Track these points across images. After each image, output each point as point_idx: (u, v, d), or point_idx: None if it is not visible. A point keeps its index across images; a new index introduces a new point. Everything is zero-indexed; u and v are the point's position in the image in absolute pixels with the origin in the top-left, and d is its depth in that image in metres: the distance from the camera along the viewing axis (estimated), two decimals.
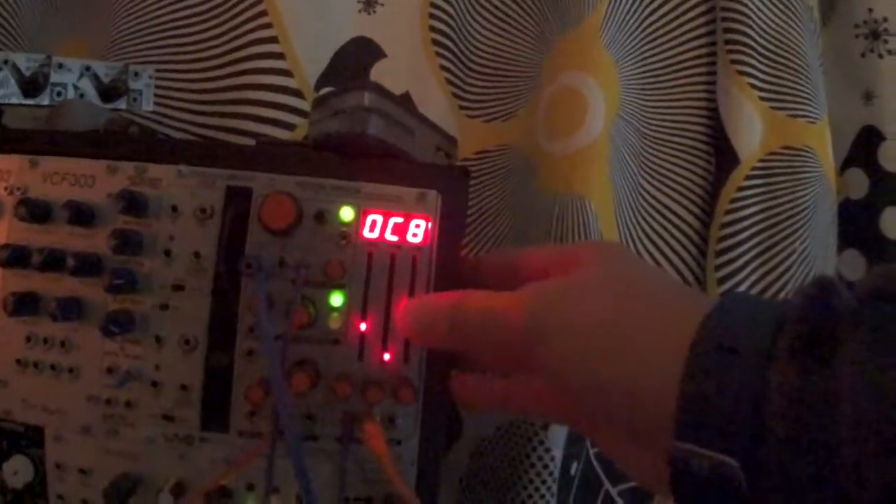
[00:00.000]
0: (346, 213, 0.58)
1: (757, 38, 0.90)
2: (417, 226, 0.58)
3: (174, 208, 0.58)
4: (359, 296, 0.58)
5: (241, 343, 0.58)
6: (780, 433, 0.37)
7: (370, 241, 0.58)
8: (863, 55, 1.00)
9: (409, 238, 0.58)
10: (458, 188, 0.61)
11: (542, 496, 0.77)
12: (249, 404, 0.57)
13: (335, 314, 0.58)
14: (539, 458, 0.77)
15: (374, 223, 0.58)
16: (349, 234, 0.58)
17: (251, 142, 0.78)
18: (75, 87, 0.82)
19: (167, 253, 0.58)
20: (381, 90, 0.58)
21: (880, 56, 0.99)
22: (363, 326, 0.58)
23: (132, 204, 0.57)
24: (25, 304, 0.57)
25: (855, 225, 0.98)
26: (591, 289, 0.51)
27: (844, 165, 1.01)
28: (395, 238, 0.58)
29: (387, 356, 0.58)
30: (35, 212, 0.58)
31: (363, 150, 0.58)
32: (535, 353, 0.50)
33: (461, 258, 0.62)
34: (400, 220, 0.58)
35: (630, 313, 0.48)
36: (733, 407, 0.39)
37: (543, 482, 0.77)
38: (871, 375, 0.35)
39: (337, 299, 0.58)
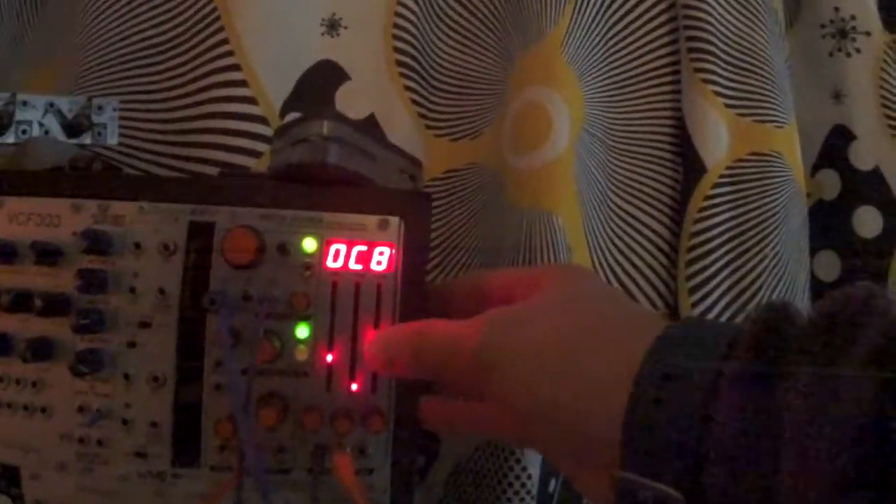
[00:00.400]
0: (309, 244, 0.58)
1: (720, 44, 0.90)
2: (381, 253, 0.59)
3: (137, 245, 0.58)
4: (325, 326, 0.58)
5: (208, 378, 0.58)
6: (722, 464, 0.37)
7: (334, 271, 0.58)
8: (831, 55, 1.01)
9: (374, 266, 0.59)
10: (421, 213, 0.61)
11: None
12: (219, 439, 0.57)
13: (301, 346, 0.58)
14: (517, 477, 0.77)
15: (337, 252, 0.58)
16: (313, 264, 0.58)
17: (217, 171, 0.78)
18: (40, 124, 0.82)
19: (132, 290, 0.58)
20: (340, 118, 0.59)
21: (848, 55, 0.99)
22: (330, 357, 0.58)
23: (96, 243, 0.57)
24: None
25: (829, 226, 0.99)
26: (543, 313, 0.52)
27: (816, 167, 1.01)
28: (359, 266, 0.59)
29: (354, 386, 0.58)
30: (1, 252, 0.58)
31: (324, 179, 0.58)
32: (486, 379, 0.51)
33: (429, 284, 0.62)
34: (363, 248, 0.59)
35: (579, 337, 0.48)
36: (677, 437, 0.39)
37: (521, 500, 0.77)
38: (815, 409, 0.35)
39: (303, 331, 0.58)
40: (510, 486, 0.77)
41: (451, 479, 0.84)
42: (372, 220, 0.59)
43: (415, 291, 0.60)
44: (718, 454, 0.37)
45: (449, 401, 0.61)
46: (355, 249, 0.59)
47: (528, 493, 0.77)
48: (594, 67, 0.92)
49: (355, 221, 0.59)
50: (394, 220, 0.59)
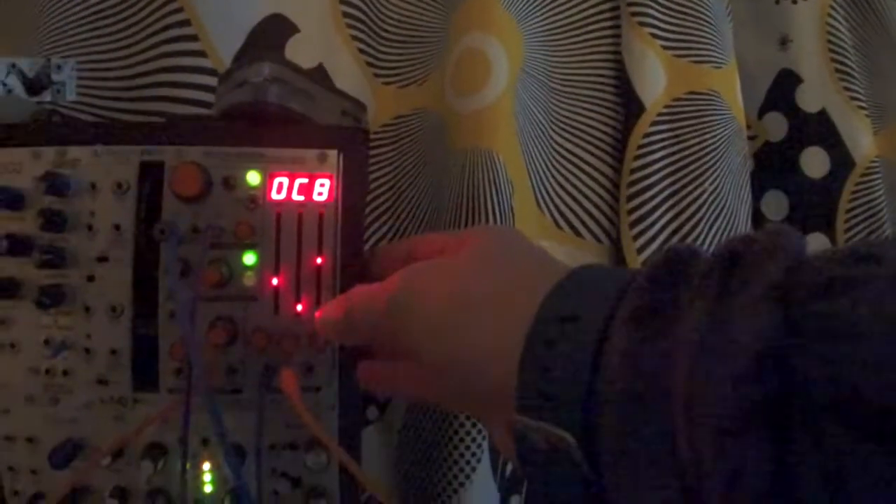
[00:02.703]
0: (253, 178, 0.61)
1: None
2: (322, 185, 0.62)
3: (93, 185, 0.61)
4: (270, 254, 0.61)
5: (163, 306, 0.61)
6: (614, 405, 0.36)
7: (278, 202, 0.62)
8: (777, 2, 1.04)
9: (315, 197, 0.62)
10: (358, 146, 0.64)
11: (474, 439, 0.79)
12: (175, 362, 0.61)
13: (249, 273, 0.61)
14: None
15: (280, 185, 0.62)
16: (257, 196, 0.62)
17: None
18: (3, 84, 0.85)
19: (90, 227, 0.61)
20: (282, 61, 0.62)
21: (794, 2, 1.02)
22: (275, 282, 0.61)
23: (54, 185, 0.60)
24: None
25: (776, 167, 1.02)
26: (456, 266, 0.52)
27: (763, 110, 1.04)
28: (301, 198, 0.62)
29: (300, 307, 0.62)
30: None
31: (266, 118, 0.62)
32: (399, 330, 0.52)
33: (365, 252, 0.66)
34: (305, 180, 0.62)
35: (487, 287, 0.49)
36: (570, 378, 0.38)
37: (475, 425, 0.79)
38: (707, 346, 0.33)
39: (249, 258, 0.61)
40: (462, 426, 0.80)
41: (407, 413, 0.87)
42: (312, 153, 0.62)
43: (354, 219, 0.63)
44: (610, 395, 0.36)
45: (380, 363, 0.63)
46: (297, 181, 0.62)
47: (480, 432, 0.80)
48: (534, 11, 0.95)
49: (296, 156, 0.62)
50: (332, 153, 0.62)
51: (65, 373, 0.61)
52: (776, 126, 1.03)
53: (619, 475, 0.37)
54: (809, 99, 1.01)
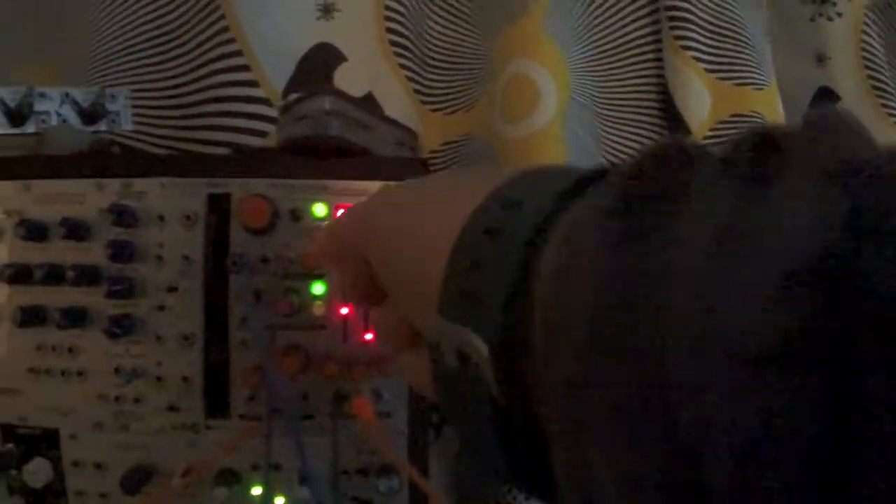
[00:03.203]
0: (320, 209, 0.63)
1: (698, 12, 0.94)
2: None
3: (161, 217, 0.63)
4: None
5: (234, 334, 0.62)
6: (546, 311, 0.29)
7: None
8: (812, 20, 1.04)
9: None
10: (417, 177, 0.64)
11: None
12: (247, 389, 0.62)
13: (318, 302, 0.62)
14: None
15: None
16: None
17: (225, 151, 0.83)
18: (58, 114, 0.86)
19: (159, 258, 0.63)
20: (340, 94, 0.63)
21: (829, 19, 1.03)
22: (344, 311, 0.63)
23: (122, 216, 0.62)
24: (32, 316, 0.62)
25: None
26: (425, 180, 0.48)
27: None
28: None
29: (368, 336, 0.63)
30: (33, 231, 0.62)
31: (328, 150, 0.63)
32: (364, 247, 0.44)
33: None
34: None
35: (432, 190, 0.44)
36: (498, 272, 0.31)
37: None
38: (734, 241, 0.23)
39: (318, 288, 0.63)
40: None
41: None
42: (374, 185, 0.63)
43: None
44: (551, 298, 0.28)
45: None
46: None
47: None
48: (579, 38, 0.96)
49: (359, 187, 0.63)
50: None
51: (136, 400, 0.63)
52: None
53: (562, 423, 0.28)
54: None
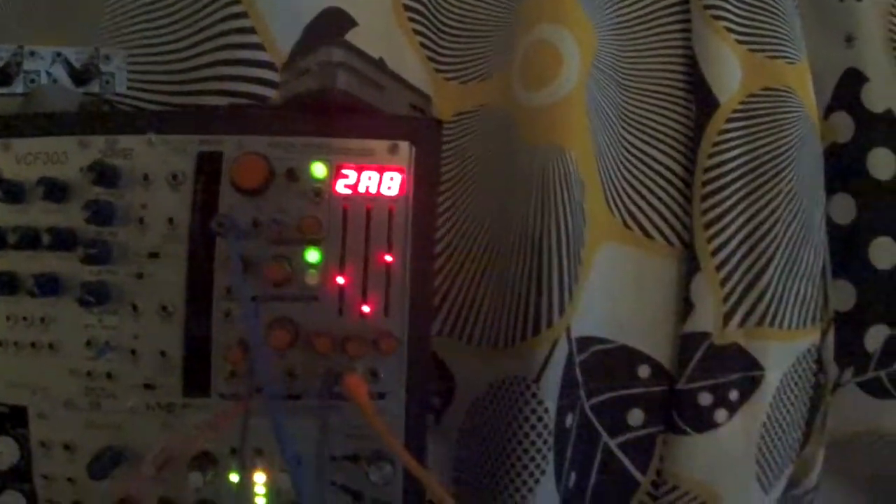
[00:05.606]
0: (319, 170, 0.58)
1: None
2: (392, 178, 0.58)
3: (146, 177, 0.58)
4: (335, 251, 0.58)
5: (218, 305, 0.57)
6: None
7: (345, 196, 0.58)
8: (841, 0, 1.00)
9: (384, 191, 0.58)
10: (431, 138, 0.60)
11: (539, 450, 0.76)
12: (229, 366, 0.57)
13: (312, 270, 0.57)
14: (533, 411, 0.76)
15: (347, 177, 0.58)
16: (322, 189, 0.58)
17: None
18: (48, 74, 0.82)
19: (141, 221, 0.58)
20: (349, 47, 0.58)
21: (859, 0, 0.98)
22: (341, 280, 0.58)
23: (103, 175, 0.57)
24: (3, 284, 0.58)
25: (843, 168, 0.98)
26: None
27: (829, 109, 1.00)
28: (370, 191, 0.58)
29: (366, 308, 0.58)
30: (9, 192, 0.58)
31: (333, 106, 0.58)
32: None
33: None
34: (374, 173, 0.58)
35: None
36: None
37: (539, 435, 0.76)
38: None
39: (313, 255, 0.58)
40: (526, 421, 0.76)
41: (466, 418, 0.83)
42: (382, 144, 0.59)
43: (427, 215, 0.59)
44: None
45: None
46: (366, 174, 0.58)
47: (546, 427, 0.77)
48: (604, 5, 0.91)
49: (365, 147, 0.59)
50: (404, 145, 0.59)
51: (108, 375, 0.58)
52: (843, 126, 0.99)
53: None
54: (875, 98, 0.97)
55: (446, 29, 0.94)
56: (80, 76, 0.83)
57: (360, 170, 0.58)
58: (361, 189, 0.58)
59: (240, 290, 0.55)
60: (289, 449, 0.50)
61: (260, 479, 0.58)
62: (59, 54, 0.83)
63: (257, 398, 0.53)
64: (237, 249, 0.55)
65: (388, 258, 0.58)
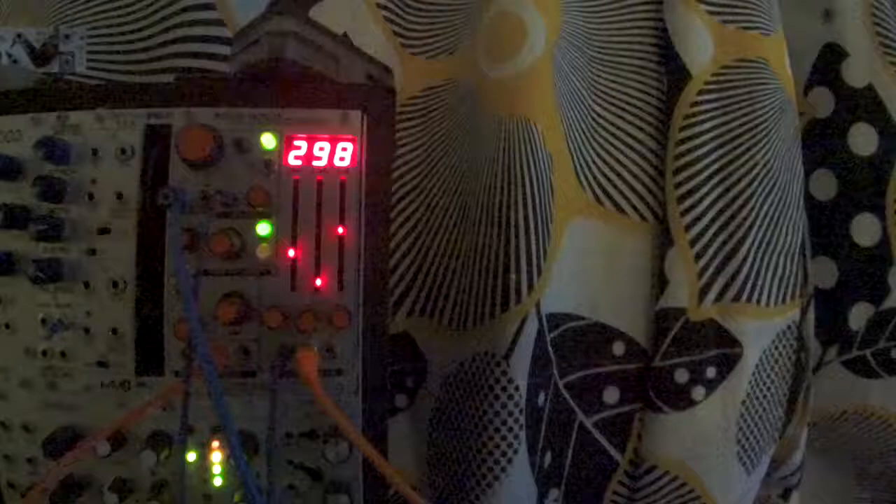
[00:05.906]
0: (268, 141, 0.57)
1: None
2: (344, 148, 0.57)
3: (95, 152, 0.57)
4: (287, 223, 0.57)
5: (168, 281, 0.57)
6: None
7: (295, 168, 0.57)
8: None
9: (336, 161, 0.57)
10: (384, 106, 0.59)
11: (511, 429, 0.75)
12: (181, 342, 0.56)
13: (263, 244, 0.56)
14: (503, 389, 0.75)
15: (298, 148, 0.57)
16: (273, 161, 0.57)
17: None
18: (8, 55, 0.81)
19: (91, 197, 0.57)
20: (302, 17, 0.57)
21: None
22: (293, 254, 0.57)
23: (53, 151, 0.56)
24: None
25: (823, 145, 0.97)
26: None
27: (809, 85, 0.99)
28: (321, 162, 0.57)
29: (319, 282, 0.57)
30: None
31: (283, 76, 0.57)
32: None
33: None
34: (325, 143, 0.57)
35: None
36: None
37: (510, 414, 0.75)
38: None
39: (264, 228, 0.56)
40: (497, 399, 0.75)
41: (439, 397, 0.82)
42: (333, 114, 0.58)
43: (380, 186, 0.58)
44: None
45: None
46: (317, 145, 0.57)
47: (517, 405, 0.75)
48: None
49: (316, 117, 0.57)
50: (355, 114, 0.58)
51: (63, 354, 0.57)
52: (823, 102, 0.98)
53: None
54: (856, 74, 0.96)
55: (412, 3, 0.93)
56: (39, 56, 0.82)
57: (311, 140, 0.57)
58: (314, 161, 0.57)
59: (177, 264, 0.53)
60: (228, 426, 0.49)
61: (217, 458, 0.57)
62: (19, 35, 0.82)
63: (197, 375, 0.52)
64: (178, 222, 0.53)
65: (341, 230, 0.57)
